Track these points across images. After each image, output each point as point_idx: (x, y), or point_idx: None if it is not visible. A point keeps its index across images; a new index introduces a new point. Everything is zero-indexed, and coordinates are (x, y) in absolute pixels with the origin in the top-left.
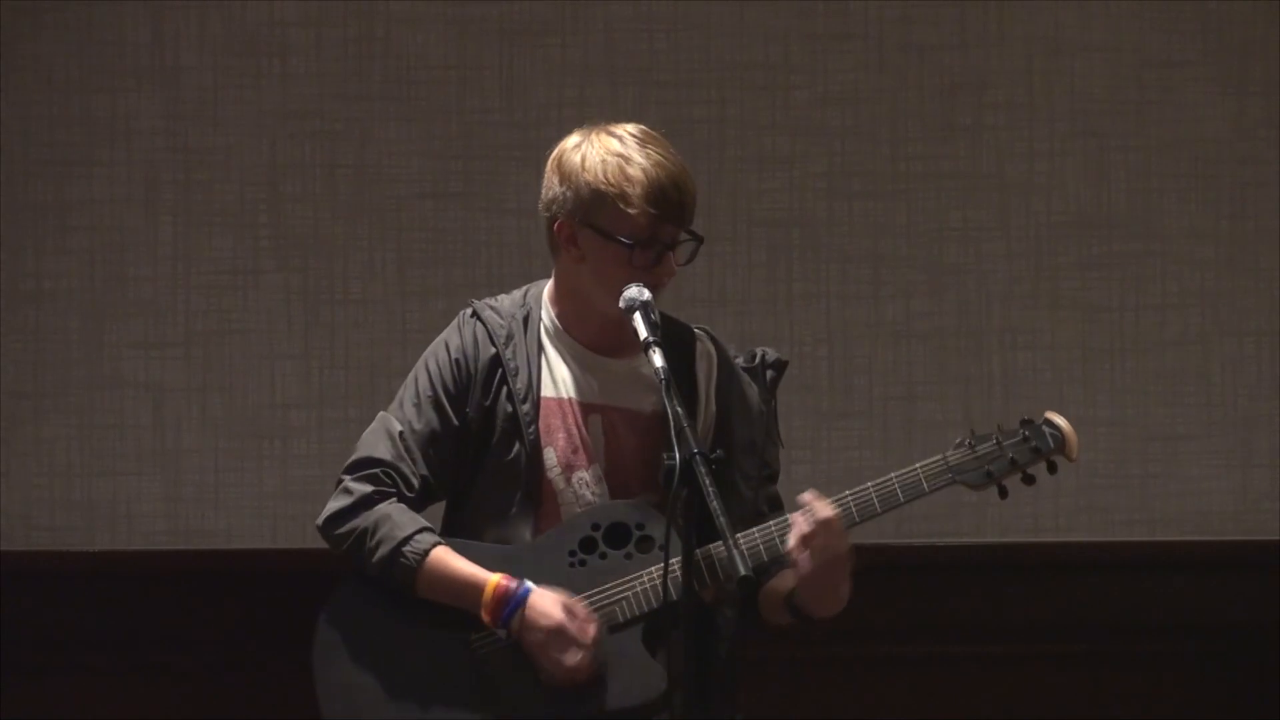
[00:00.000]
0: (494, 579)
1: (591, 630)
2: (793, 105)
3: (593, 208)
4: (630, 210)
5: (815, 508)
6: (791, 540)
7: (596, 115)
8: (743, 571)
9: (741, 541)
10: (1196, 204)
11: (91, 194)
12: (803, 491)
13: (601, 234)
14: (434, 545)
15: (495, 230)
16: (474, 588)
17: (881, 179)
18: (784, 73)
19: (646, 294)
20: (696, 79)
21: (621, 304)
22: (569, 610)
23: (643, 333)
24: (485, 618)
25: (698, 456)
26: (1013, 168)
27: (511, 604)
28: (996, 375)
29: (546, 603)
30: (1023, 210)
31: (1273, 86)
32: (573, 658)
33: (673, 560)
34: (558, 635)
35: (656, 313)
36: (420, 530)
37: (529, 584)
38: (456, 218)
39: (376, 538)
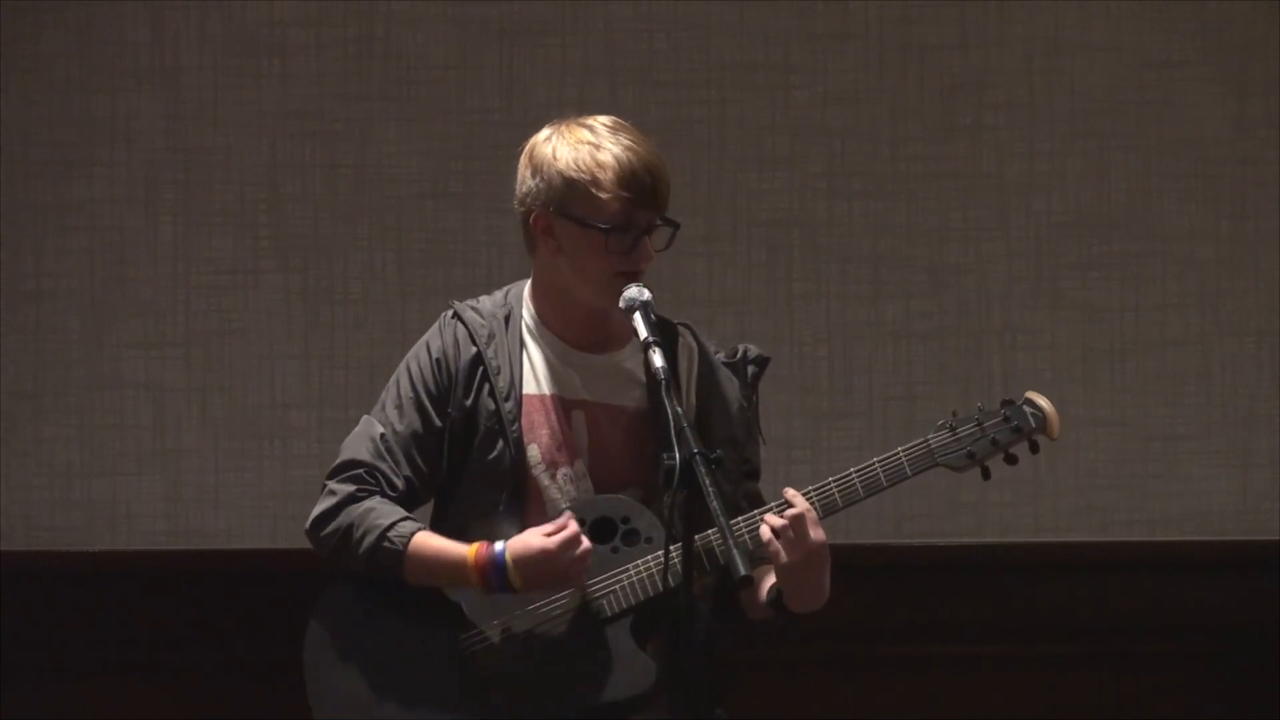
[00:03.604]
0: (471, 549)
1: (572, 524)
2: (793, 105)
3: (566, 196)
4: (603, 195)
5: (788, 500)
6: (765, 532)
7: (580, 116)
8: (743, 572)
9: (712, 539)
10: (1196, 204)
11: (91, 194)
12: (804, 488)
13: (576, 222)
14: (417, 530)
15: (495, 230)
16: (458, 562)
17: (881, 179)
18: (784, 73)
19: (646, 294)
20: (696, 79)
21: (622, 304)
22: (546, 534)
23: (643, 333)
24: (480, 588)
25: (698, 456)
26: (1013, 168)
27: (498, 566)
28: (996, 375)
29: (527, 540)
30: (1023, 210)
31: (1273, 86)
32: (576, 568)
33: (666, 549)
34: (556, 554)
35: (655, 314)
36: (402, 518)
37: (499, 545)
38: (456, 218)
39: (361, 529)
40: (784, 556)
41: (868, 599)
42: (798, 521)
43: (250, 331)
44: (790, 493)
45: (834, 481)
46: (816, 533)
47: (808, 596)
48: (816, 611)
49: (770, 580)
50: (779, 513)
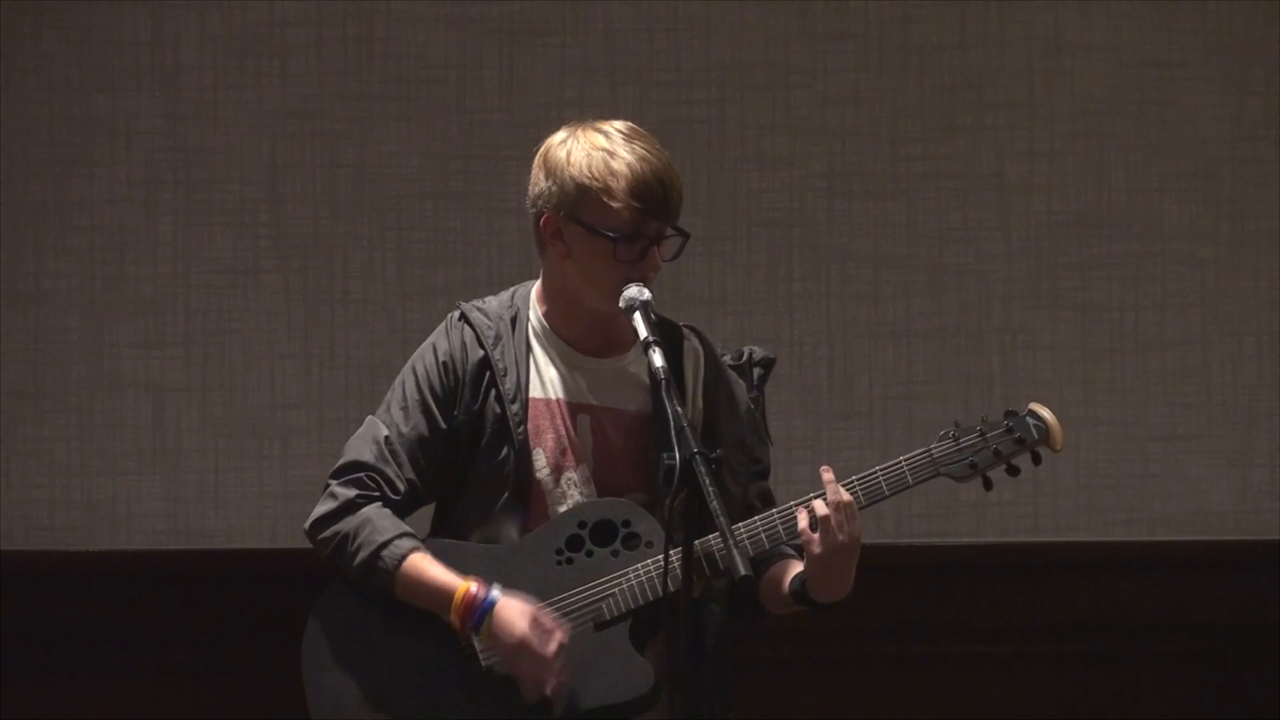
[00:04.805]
0: (462, 587)
1: (554, 644)
2: (793, 105)
3: (577, 202)
4: (614, 204)
5: (830, 490)
6: (802, 521)
7: (596, 115)
8: (743, 571)
9: (742, 531)
10: (1196, 204)
11: (91, 194)
12: (805, 488)
13: (586, 228)
14: (411, 550)
15: (495, 230)
16: (445, 594)
17: (881, 179)
18: (784, 73)
19: (646, 294)
20: (696, 79)
21: (622, 304)
22: (535, 622)
23: (643, 333)
24: (456, 625)
25: (698, 456)
26: (1013, 168)
27: (478, 612)
28: (996, 375)
29: (512, 615)
30: (1023, 210)
31: (1273, 86)
32: (537, 672)
33: (666, 553)
34: (522, 651)
35: (655, 313)
36: (400, 535)
37: (495, 592)
38: (456, 218)
39: (357, 541)
40: (818, 547)
41: (867, 599)
42: (842, 510)
43: (250, 331)
44: (829, 477)
45: (856, 480)
46: (855, 523)
47: (835, 587)
48: (839, 602)
49: (793, 570)
50: (821, 501)
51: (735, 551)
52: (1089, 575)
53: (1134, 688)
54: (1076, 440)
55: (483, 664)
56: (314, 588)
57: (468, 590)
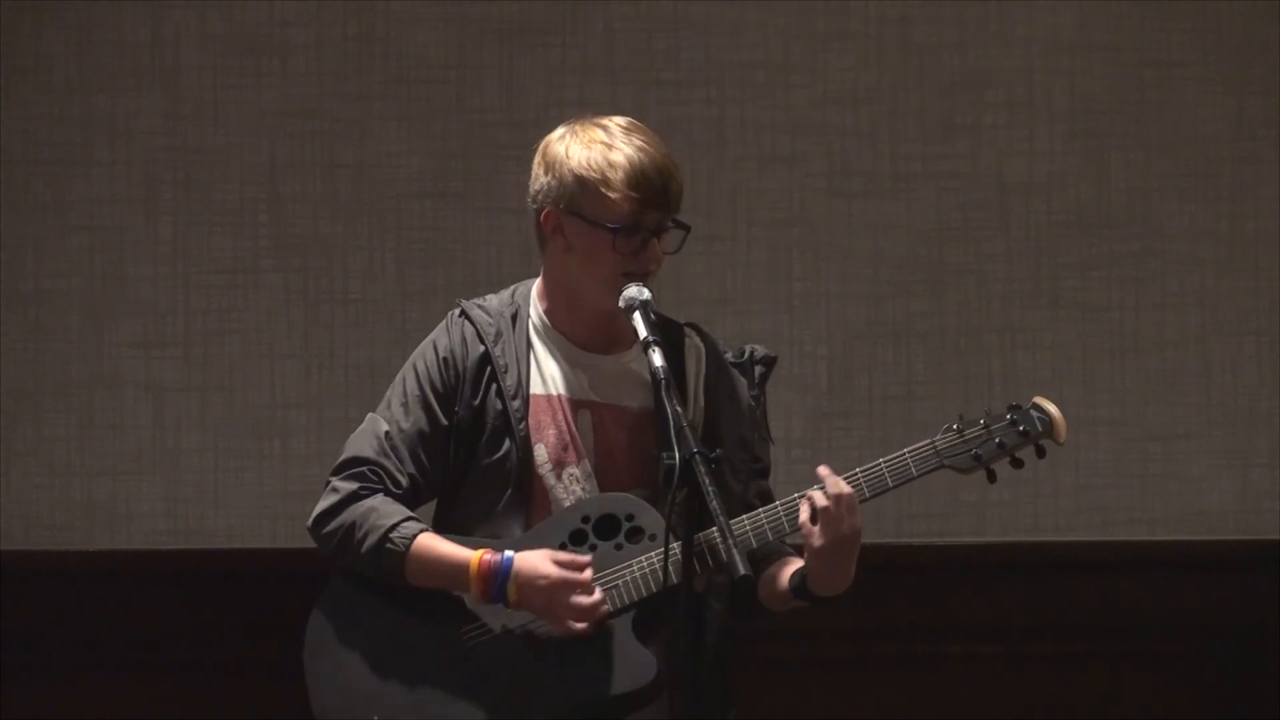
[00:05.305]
0: (475, 556)
1: (588, 571)
2: (793, 105)
3: (577, 195)
4: (612, 195)
5: (830, 483)
6: (803, 514)
7: (596, 115)
8: (742, 571)
9: (745, 523)
10: (1196, 204)
11: (91, 194)
12: (804, 487)
13: (586, 221)
14: (420, 531)
15: (495, 230)
16: (460, 567)
17: (881, 179)
18: (784, 73)
19: (646, 293)
20: (696, 79)
21: (621, 303)
22: (558, 561)
23: (642, 332)
24: (478, 596)
25: (697, 456)
26: (1013, 168)
27: (500, 576)
28: (996, 375)
29: (533, 561)
30: (1023, 210)
31: (1273, 86)
32: (584, 599)
33: (671, 546)
34: (558, 589)
35: (655, 313)
36: (406, 518)
37: (509, 552)
38: (456, 218)
39: (364, 529)
40: (818, 539)
41: (867, 598)
42: (840, 502)
43: (250, 331)
44: (826, 472)
45: (860, 473)
46: (854, 516)
47: (835, 580)
48: (840, 596)
49: (792, 568)
50: (821, 493)
51: (735, 551)
52: (1089, 575)
53: (1134, 688)
54: (1076, 440)
55: (482, 639)
56: (314, 587)
57: (481, 558)
